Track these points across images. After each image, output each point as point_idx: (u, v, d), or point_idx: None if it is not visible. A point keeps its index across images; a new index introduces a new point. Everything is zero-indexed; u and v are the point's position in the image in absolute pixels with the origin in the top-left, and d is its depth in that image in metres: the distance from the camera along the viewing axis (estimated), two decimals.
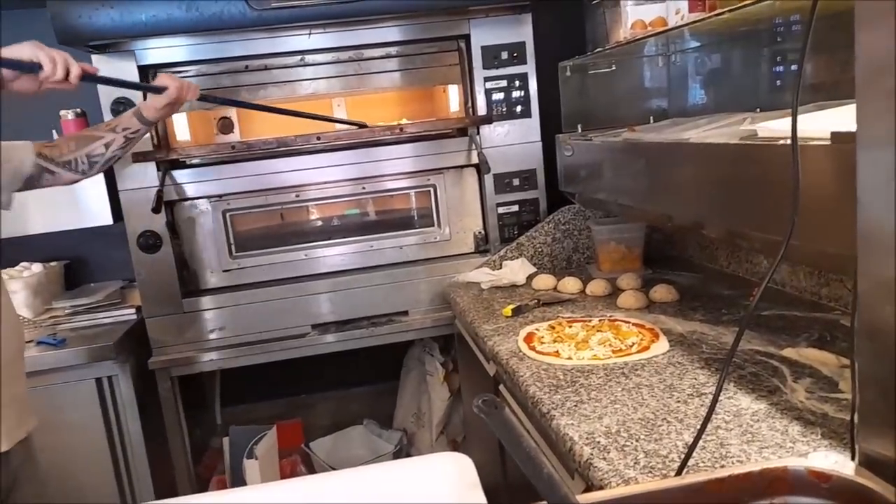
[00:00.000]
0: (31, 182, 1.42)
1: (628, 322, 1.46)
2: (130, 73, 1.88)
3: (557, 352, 1.34)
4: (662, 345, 1.32)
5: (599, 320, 1.50)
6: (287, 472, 2.12)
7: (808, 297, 1.50)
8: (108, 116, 1.88)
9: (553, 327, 1.49)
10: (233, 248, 2.07)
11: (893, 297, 0.52)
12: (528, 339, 1.43)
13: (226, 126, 2.31)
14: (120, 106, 1.86)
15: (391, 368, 2.53)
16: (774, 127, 1.04)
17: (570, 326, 1.48)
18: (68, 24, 1.72)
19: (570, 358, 1.30)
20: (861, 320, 0.56)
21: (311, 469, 2.23)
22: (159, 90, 1.48)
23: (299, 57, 2.01)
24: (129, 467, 1.96)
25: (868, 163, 0.56)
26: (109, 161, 1.51)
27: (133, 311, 2.07)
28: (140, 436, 1.94)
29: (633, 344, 1.33)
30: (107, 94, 1.87)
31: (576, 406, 1.10)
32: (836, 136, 0.83)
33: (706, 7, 1.36)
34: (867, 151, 0.56)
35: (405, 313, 2.10)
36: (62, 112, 2.03)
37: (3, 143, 1.35)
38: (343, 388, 2.61)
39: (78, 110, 2.04)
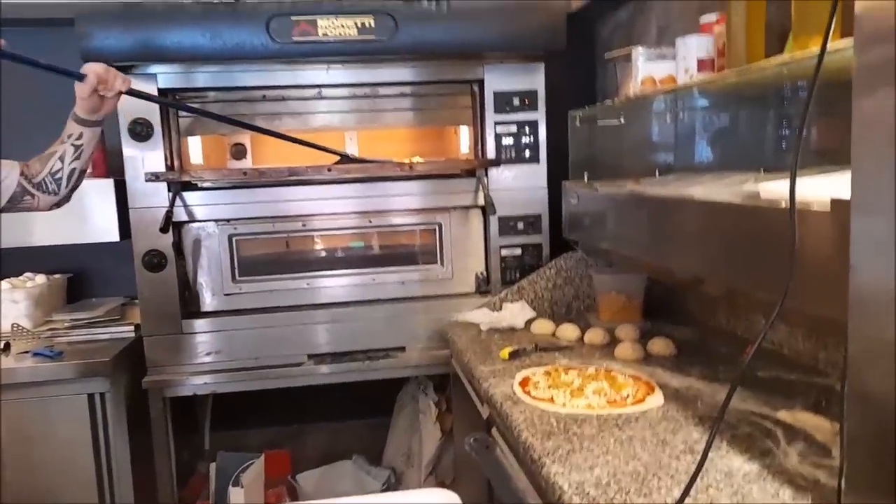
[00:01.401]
0: (14, 202, 1.43)
1: (624, 373, 1.46)
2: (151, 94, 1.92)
3: (552, 398, 1.33)
4: (657, 398, 1.32)
5: (596, 369, 1.50)
6: (272, 503, 2.09)
7: (805, 361, 1.50)
8: (125, 135, 1.92)
9: (549, 373, 1.48)
10: (236, 272, 2.08)
11: (883, 362, 0.53)
12: (524, 383, 1.43)
13: (239, 152, 2.35)
14: (137, 126, 1.91)
15: (384, 404, 2.51)
16: (776, 189, 1.06)
17: (566, 373, 1.47)
18: (94, 45, 1.78)
19: (564, 405, 1.30)
20: (851, 384, 0.57)
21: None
22: (79, 77, 1.42)
23: (316, 90, 2.06)
24: (113, 486, 1.93)
25: (862, 228, 0.58)
26: (72, 177, 1.48)
27: (132, 328, 2.08)
28: (127, 454, 1.93)
29: (628, 395, 1.33)
30: (126, 114, 1.91)
31: (567, 454, 1.10)
32: (836, 203, 0.84)
33: (714, 69, 1.40)
34: (861, 217, 0.58)
35: (402, 349, 2.10)
36: None
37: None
38: (335, 421, 2.59)
39: None
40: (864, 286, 0.57)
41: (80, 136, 1.46)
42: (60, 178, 1.46)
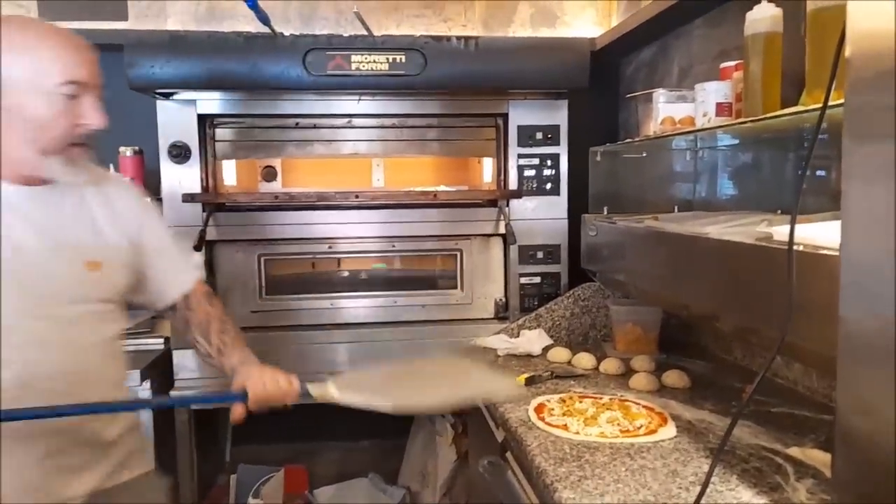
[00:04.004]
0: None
1: (638, 404, 1.50)
2: (190, 118, 2.02)
3: (566, 425, 1.37)
4: (670, 430, 1.35)
5: (610, 398, 1.53)
6: None
7: (818, 399, 1.52)
8: (164, 157, 2.01)
9: (564, 400, 1.52)
10: (263, 290, 2.15)
11: (870, 410, 0.57)
12: (539, 409, 1.47)
13: (269, 174, 2.44)
14: (176, 149, 2.00)
15: (401, 425, 2.55)
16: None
17: (581, 402, 1.51)
18: (141, 72, 1.87)
19: (577, 432, 1.34)
20: (839, 424, 0.61)
21: None
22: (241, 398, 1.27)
23: (347, 119, 2.14)
24: None
25: (851, 279, 0.62)
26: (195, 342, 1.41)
27: (161, 340, 2.15)
28: (152, 464, 1.98)
29: (641, 426, 1.36)
30: (166, 136, 2.00)
31: (579, 481, 1.13)
32: None
33: (732, 113, 1.45)
34: (850, 267, 0.62)
35: None
36: (121, 149, 2.17)
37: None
38: (352, 440, 2.63)
39: (136, 148, 2.18)
40: (854, 335, 0.61)
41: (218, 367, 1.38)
42: (197, 339, 1.39)
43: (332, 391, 1.25)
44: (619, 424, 1.37)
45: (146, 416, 1.87)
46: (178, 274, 1.40)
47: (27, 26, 1.16)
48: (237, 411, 1.26)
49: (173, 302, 1.39)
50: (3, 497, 1.16)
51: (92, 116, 1.18)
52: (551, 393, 1.60)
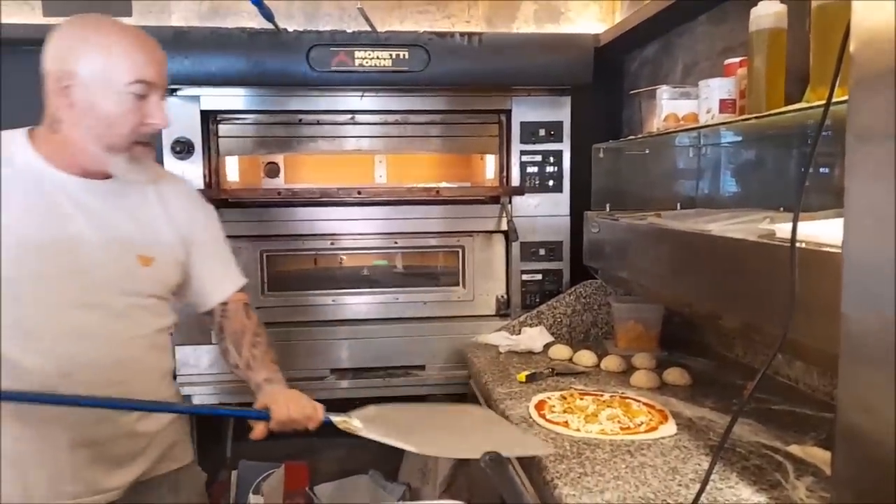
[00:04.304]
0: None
1: (639, 401, 1.50)
2: (193, 114, 2.02)
3: (567, 422, 1.37)
4: (670, 427, 1.35)
5: (611, 396, 1.53)
6: None
7: (819, 397, 1.52)
8: (168, 153, 2.01)
9: (564, 398, 1.52)
10: (265, 286, 2.16)
11: (871, 407, 0.57)
12: (540, 406, 1.47)
13: (272, 170, 2.44)
14: (179, 145, 2.00)
15: None
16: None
17: (582, 399, 1.51)
18: None
19: (578, 429, 1.34)
20: (840, 423, 0.61)
21: None
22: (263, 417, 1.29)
23: (350, 115, 2.14)
24: None
25: (853, 277, 0.62)
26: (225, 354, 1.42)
27: None
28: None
29: (642, 423, 1.36)
30: (169, 132, 2.00)
31: (579, 478, 1.13)
32: None
33: (736, 110, 1.45)
34: (853, 265, 0.62)
35: (422, 367, 2.15)
36: None
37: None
38: (352, 436, 2.63)
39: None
40: (855, 334, 0.61)
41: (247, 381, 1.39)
42: (227, 348, 1.41)
43: (355, 423, 1.27)
44: (619, 422, 1.37)
45: None
46: (221, 280, 1.42)
47: (102, 25, 1.18)
48: (258, 430, 1.28)
49: (212, 307, 1.41)
50: (42, 486, 1.18)
51: (157, 116, 1.21)
52: (552, 390, 1.60)
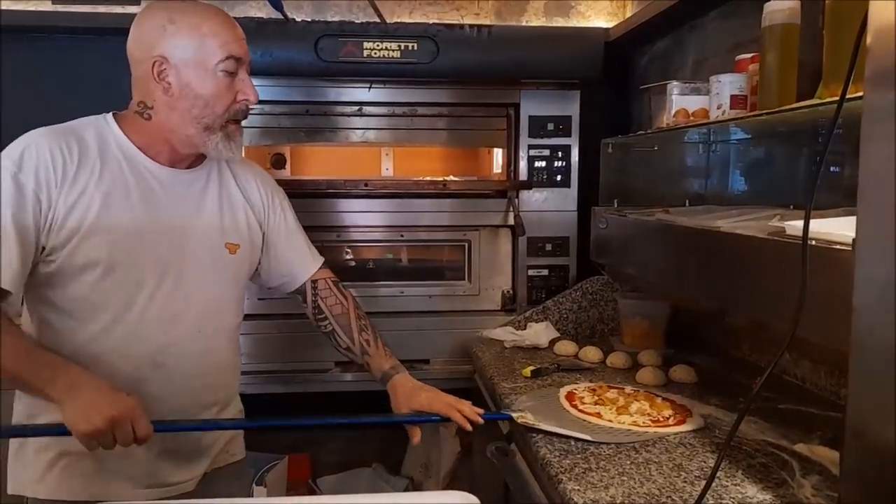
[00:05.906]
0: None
1: (660, 396, 1.49)
2: None
3: (599, 413, 1.37)
4: (697, 420, 1.35)
5: (634, 390, 1.53)
6: None
7: (826, 396, 1.51)
8: None
9: (594, 390, 1.52)
10: None
11: (882, 403, 0.56)
12: (570, 397, 1.48)
13: (278, 161, 2.44)
14: None
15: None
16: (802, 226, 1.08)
17: (609, 391, 1.51)
18: None
19: (610, 420, 1.34)
20: (850, 418, 0.60)
21: None
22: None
23: (357, 107, 2.14)
24: None
25: (866, 273, 0.61)
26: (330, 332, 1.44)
27: None
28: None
29: (670, 416, 1.36)
30: None
31: (584, 473, 1.13)
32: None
33: (747, 106, 1.43)
34: (865, 261, 0.61)
35: (426, 361, 2.14)
36: None
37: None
38: (356, 429, 2.64)
39: None
40: (866, 329, 0.60)
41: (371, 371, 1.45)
42: (330, 327, 1.45)
43: (530, 417, 1.32)
44: (649, 415, 1.36)
45: None
46: (304, 259, 1.42)
47: (185, 7, 1.18)
48: (417, 435, 1.32)
49: (301, 284, 1.42)
50: (119, 480, 1.20)
51: (249, 91, 1.21)
52: (557, 386, 1.60)
